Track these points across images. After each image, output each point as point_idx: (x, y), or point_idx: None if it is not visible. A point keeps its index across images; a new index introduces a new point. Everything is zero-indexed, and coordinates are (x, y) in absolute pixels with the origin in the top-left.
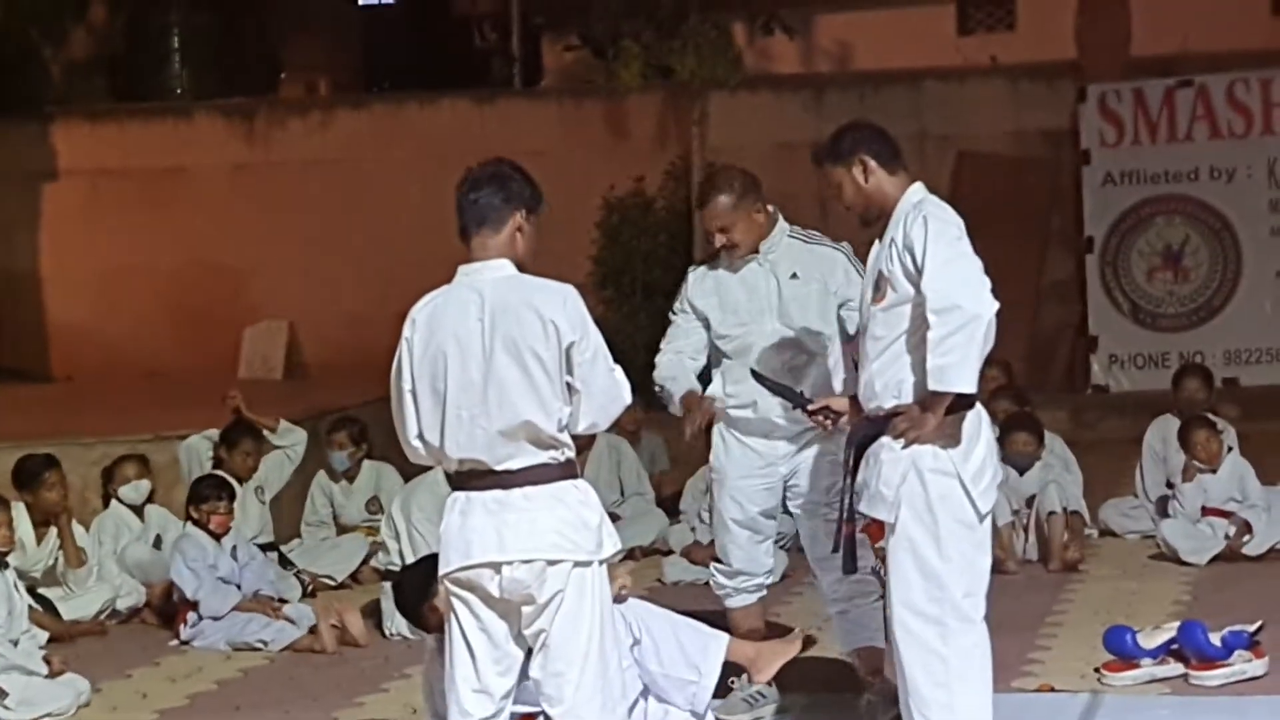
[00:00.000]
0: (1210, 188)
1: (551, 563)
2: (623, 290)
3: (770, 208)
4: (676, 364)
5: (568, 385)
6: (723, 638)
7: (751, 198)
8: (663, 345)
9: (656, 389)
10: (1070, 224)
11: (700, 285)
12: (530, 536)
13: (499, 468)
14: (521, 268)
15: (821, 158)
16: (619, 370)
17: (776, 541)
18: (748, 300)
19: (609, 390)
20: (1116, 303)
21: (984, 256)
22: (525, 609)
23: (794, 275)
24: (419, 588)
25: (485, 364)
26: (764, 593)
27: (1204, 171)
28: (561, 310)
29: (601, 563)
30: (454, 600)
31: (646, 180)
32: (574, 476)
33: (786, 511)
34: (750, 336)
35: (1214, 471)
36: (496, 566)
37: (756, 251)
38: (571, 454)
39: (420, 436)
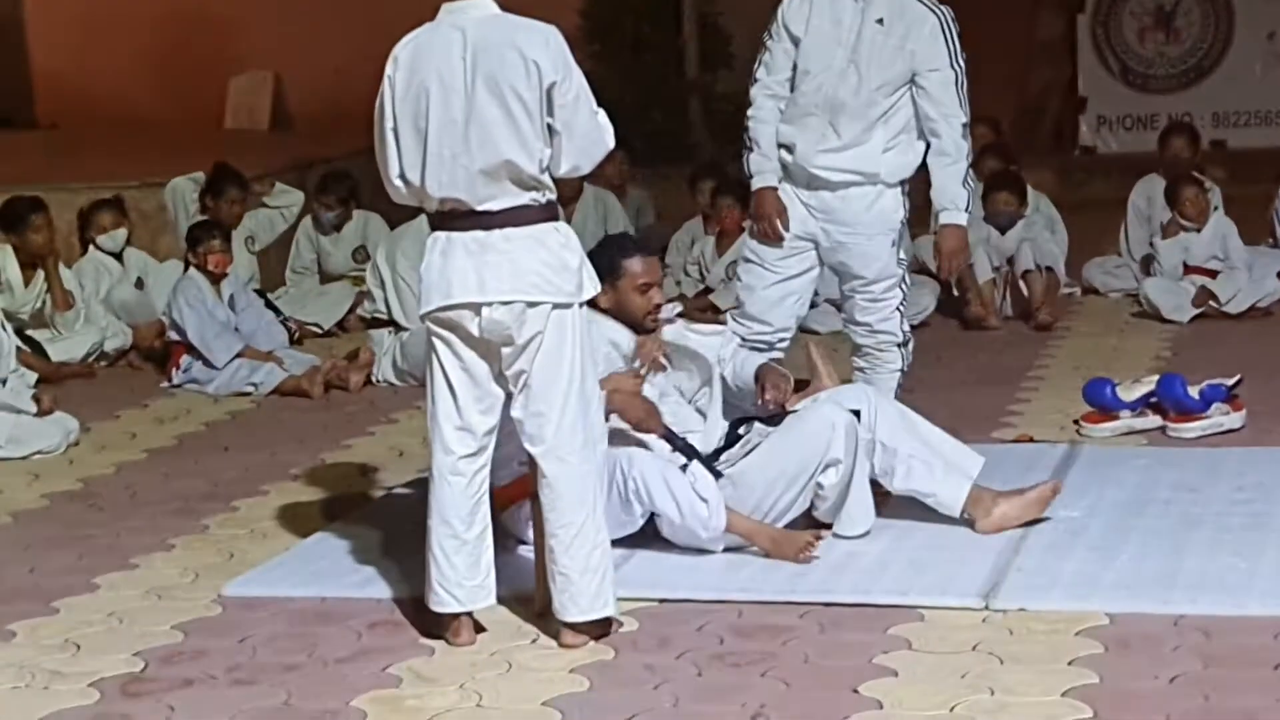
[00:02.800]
0: None
1: (531, 304)
2: (611, 45)
3: None
4: (767, 133)
5: (548, 127)
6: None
7: None
8: (758, 74)
9: (745, 133)
10: None
11: (797, 7)
12: (511, 278)
13: (480, 208)
14: (504, 8)
15: None
16: (602, 114)
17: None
18: (830, 33)
19: (590, 133)
20: (1106, 63)
21: (973, 15)
22: (505, 349)
23: (880, 20)
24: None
25: (467, 102)
26: (780, 354)
27: None
28: (544, 50)
29: (581, 304)
30: (435, 339)
31: None
32: (555, 219)
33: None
34: (819, 72)
35: (1199, 230)
36: (476, 307)
37: None
38: (553, 196)
39: (402, 176)
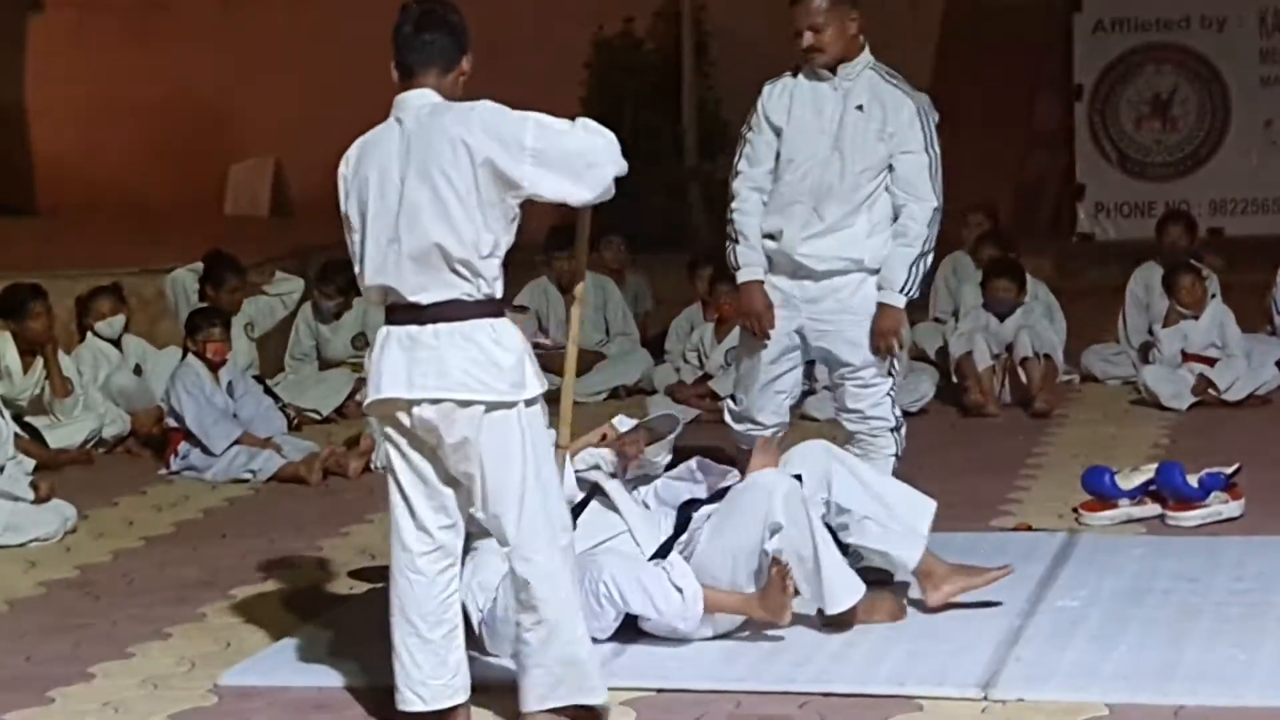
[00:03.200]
0: (1201, 36)
1: (462, 404)
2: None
3: (862, 39)
4: (751, 225)
5: (521, 200)
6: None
7: (849, 3)
8: (740, 167)
9: (729, 225)
10: (1059, 71)
11: (777, 98)
12: (437, 376)
13: (412, 299)
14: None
15: None
16: (588, 127)
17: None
18: (813, 122)
19: (577, 150)
20: (1104, 151)
21: (972, 102)
22: (447, 449)
23: (859, 106)
24: None
25: (400, 189)
26: (775, 432)
27: (1195, 20)
28: (470, 127)
29: (529, 403)
30: (386, 435)
31: (636, 22)
32: (494, 315)
33: (810, 363)
34: (803, 160)
35: (1196, 318)
36: (407, 405)
37: (834, 73)
38: (493, 290)
39: (362, 274)
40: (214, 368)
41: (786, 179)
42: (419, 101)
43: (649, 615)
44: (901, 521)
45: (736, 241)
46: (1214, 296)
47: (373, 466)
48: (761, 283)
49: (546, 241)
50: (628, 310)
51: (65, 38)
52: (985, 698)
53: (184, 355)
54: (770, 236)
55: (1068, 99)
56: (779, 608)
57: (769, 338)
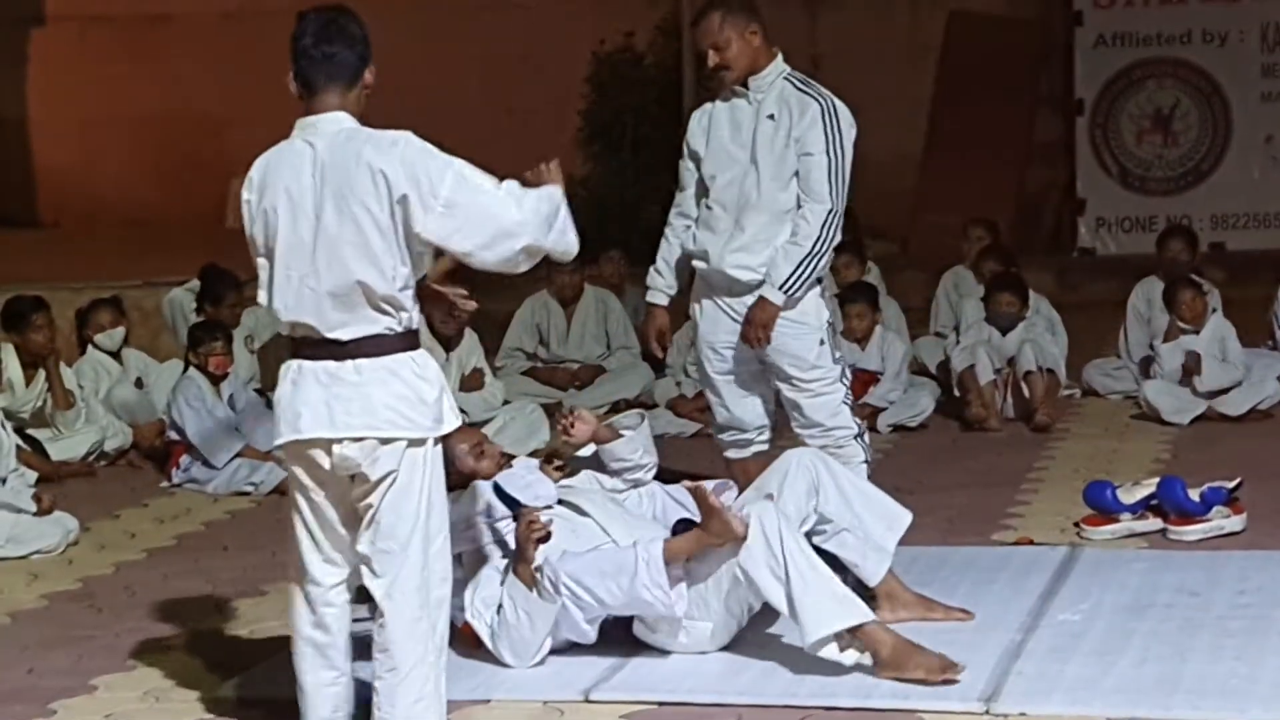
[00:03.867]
0: (1202, 51)
1: (385, 441)
2: (611, 146)
3: (774, 49)
4: (670, 251)
5: (426, 240)
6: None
7: (745, 16)
8: (676, 197)
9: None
10: (1060, 86)
11: (696, 124)
12: (363, 413)
13: (330, 335)
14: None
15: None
16: (515, 195)
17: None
18: (730, 138)
19: (491, 214)
20: (1105, 165)
21: (972, 117)
22: (363, 484)
23: (771, 116)
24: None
25: (315, 222)
26: (763, 447)
27: (1196, 34)
28: (392, 160)
29: (437, 440)
30: (292, 472)
31: (636, 36)
32: (413, 348)
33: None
34: (724, 177)
35: (1197, 333)
36: (327, 444)
37: (748, 87)
38: (413, 323)
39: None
40: (216, 381)
41: (711, 196)
42: (332, 127)
43: (614, 597)
44: (872, 538)
45: (652, 280)
46: (1215, 311)
47: None
48: (661, 308)
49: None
50: (628, 324)
51: (67, 51)
52: (987, 712)
53: (185, 368)
54: (700, 256)
55: (1069, 113)
56: (724, 527)
57: (659, 358)
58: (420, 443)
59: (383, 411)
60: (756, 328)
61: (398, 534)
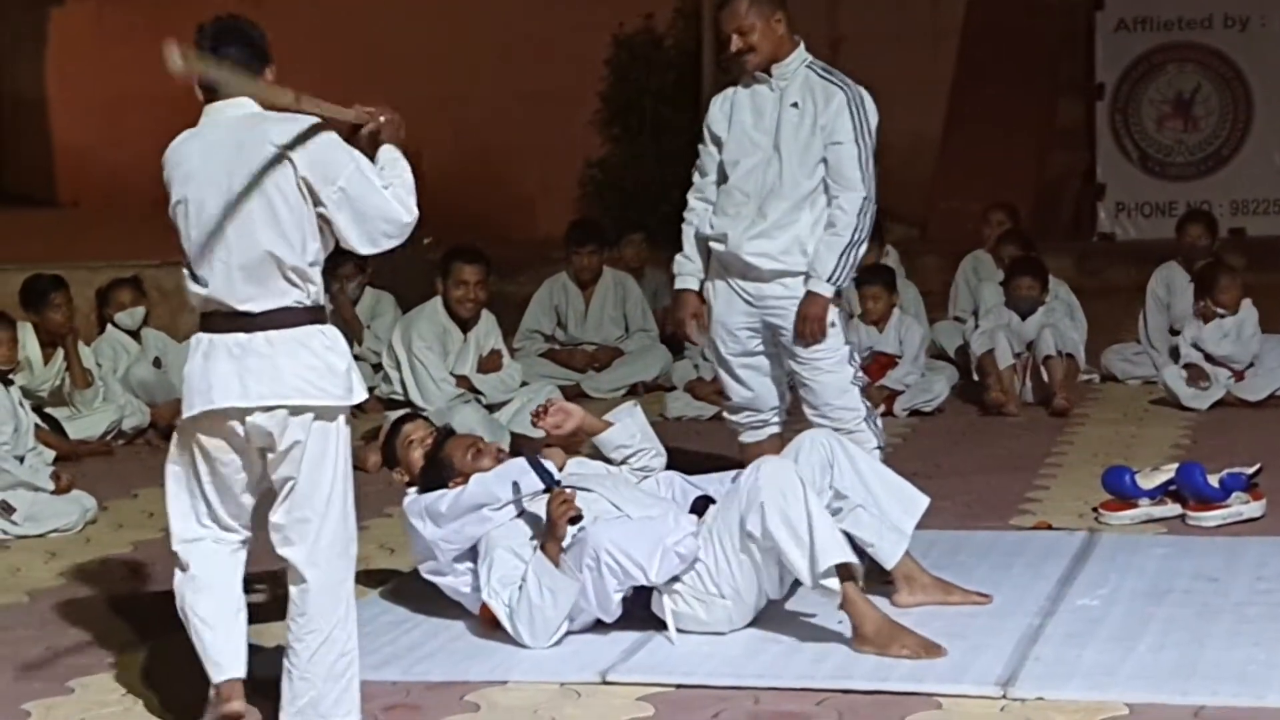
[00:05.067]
0: (1223, 36)
1: (295, 411)
2: (630, 128)
3: (797, 37)
4: (691, 235)
5: (321, 215)
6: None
7: (771, 3)
8: (694, 178)
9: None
10: (1081, 70)
11: (718, 109)
12: (272, 382)
13: (241, 308)
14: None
15: None
16: (397, 188)
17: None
18: (753, 124)
19: (380, 213)
20: (1125, 150)
21: (993, 100)
22: (269, 456)
23: (795, 104)
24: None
25: (225, 198)
26: (776, 429)
27: (1217, 19)
28: (293, 141)
29: (346, 409)
30: (193, 443)
31: (656, 18)
32: (322, 321)
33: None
34: (746, 162)
35: (1233, 315)
36: (240, 413)
37: (770, 74)
38: (320, 297)
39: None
40: None
41: (732, 181)
42: (237, 111)
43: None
44: (888, 518)
45: (681, 250)
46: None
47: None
48: (694, 292)
49: (567, 236)
50: (647, 307)
51: (86, 30)
52: (1004, 696)
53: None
54: (718, 240)
55: (1089, 98)
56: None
57: (694, 343)
58: (330, 413)
59: (292, 381)
60: (811, 323)
61: (315, 503)
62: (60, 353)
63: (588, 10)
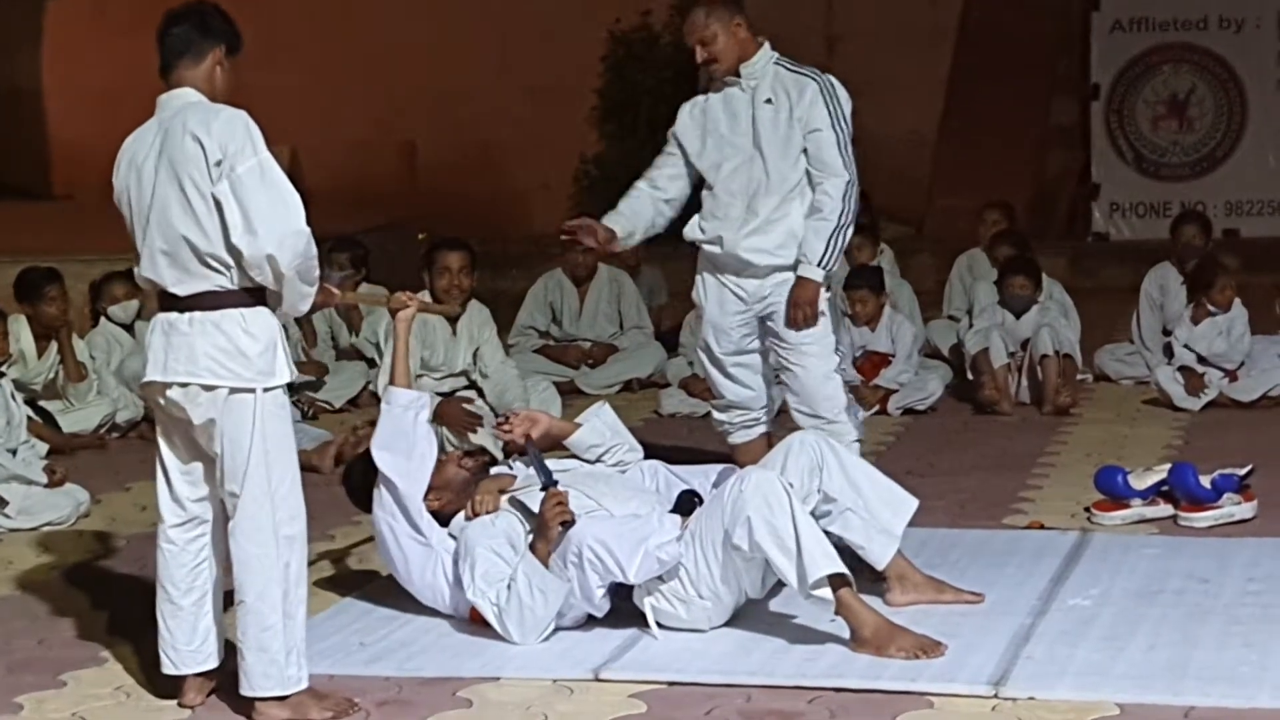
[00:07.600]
0: (1219, 37)
1: (206, 388)
2: (626, 125)
3: (760, 38)
4: (631, 194)
5: (216, 201)
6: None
7: (729, 10)
8: (650, 170)
9: None
10: (1076, 70)
11: (687, 116)
12: (186, 360)
13: (171, 290)
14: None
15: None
16: (290, 206)
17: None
18: (729, 128)
19: (263, 210)
20: (1120, 150)
21: (989, 100)
22: (196, 429)
23: (768, 100)
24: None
25: (152, 186)
26: (766, 427)
27: (1213, 20)
28: (214, 130)
29: (268, 390)
30: (158, 416)
31: (653, 15)
32: (248, 305)
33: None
34: (730, 165)
35: (1226, 313)
36: (161, 387)
37: (738, 75)
38: (249, 282)
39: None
40: None
41: (717, 185)
42: (177, 102)
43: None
44: (878, 521)
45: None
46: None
47: None
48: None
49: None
50: (642, 304)
51: (82, 22)
52: (996, 695)
53: None
54: (712, 243)
55: (1085, 98)
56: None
57: (594, 236)
58: (242, 391)
59: (203, 360)
60: (803, 307)
61: (236, 478)
62: (54, 346)
63: (585, 6)
